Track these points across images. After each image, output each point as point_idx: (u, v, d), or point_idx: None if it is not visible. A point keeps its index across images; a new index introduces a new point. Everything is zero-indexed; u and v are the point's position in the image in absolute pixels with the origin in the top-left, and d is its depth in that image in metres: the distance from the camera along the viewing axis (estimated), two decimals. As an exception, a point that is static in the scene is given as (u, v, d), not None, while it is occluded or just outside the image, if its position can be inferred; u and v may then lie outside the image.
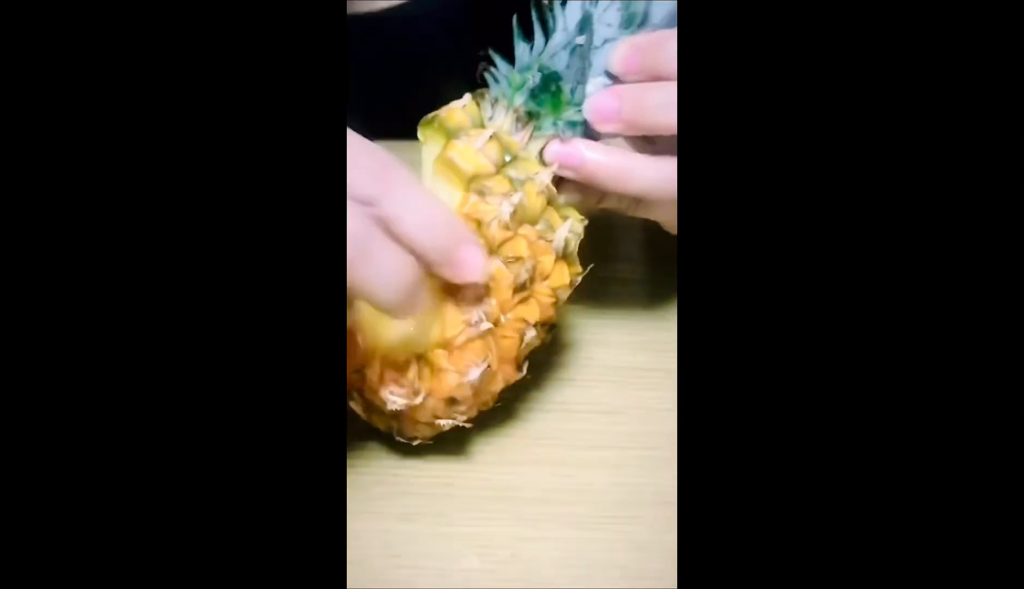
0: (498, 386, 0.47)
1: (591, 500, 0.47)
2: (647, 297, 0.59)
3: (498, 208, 0.44)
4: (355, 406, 0.47)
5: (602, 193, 0.49)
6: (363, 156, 0.40)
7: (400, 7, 0.74)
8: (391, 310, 0.40)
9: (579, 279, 0.49)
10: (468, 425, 0.47)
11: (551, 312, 0.47)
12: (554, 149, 0.48)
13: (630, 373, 0.54)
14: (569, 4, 0.49)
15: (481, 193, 0.44)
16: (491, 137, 0.45)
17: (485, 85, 0.49)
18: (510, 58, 0.49)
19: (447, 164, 0.45)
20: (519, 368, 0.47)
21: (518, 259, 0.44)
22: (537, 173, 0.46)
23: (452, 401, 0.45)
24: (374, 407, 0.46)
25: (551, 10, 0.48)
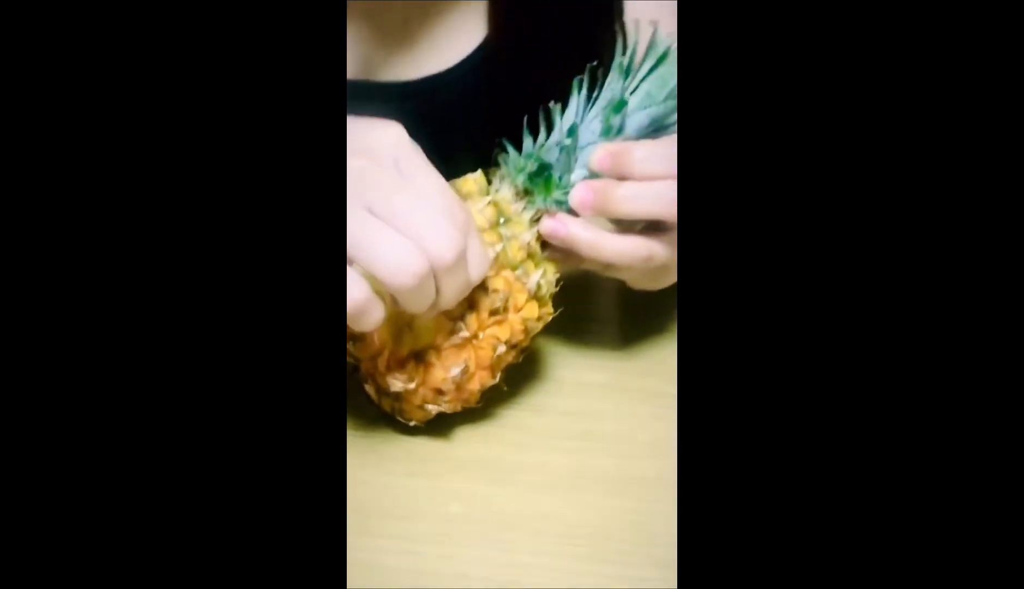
0: (476, 385, 0.63)
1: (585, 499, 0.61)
2: (617, 335, 0.74)
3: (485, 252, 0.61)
4: (369, 389, 0.64)
5: (581, 258, 0.65)
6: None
7: (430, 80, 0.83)
8: (402, 298, 0.54)
9: (550, 317, 0.65)
10: (450, 412, 0.63)
11: (521, 337, 0.63)
12: (546, 222, 0.65)
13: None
14: (566, 112, 0.66)
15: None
16: (490, 203, 0.62)
17: (496, 164, 0.66)
18: (518, 146, 0.67)
19: None
20: (494, 375, 0.63)
21: (495, 290, 0.61)
22: (522, 233, 0.63)
23: (439, 392, 0.62)
24: (383, 390, 0.63)
25: (552, 115, 0.65)
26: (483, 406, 0.65)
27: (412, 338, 0.61)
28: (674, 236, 0.64)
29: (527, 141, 0.67)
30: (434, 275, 0.53)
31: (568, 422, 0.67)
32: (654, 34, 0.65)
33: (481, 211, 0.62)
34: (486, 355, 0.62)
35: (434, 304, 0.56)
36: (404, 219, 0.51)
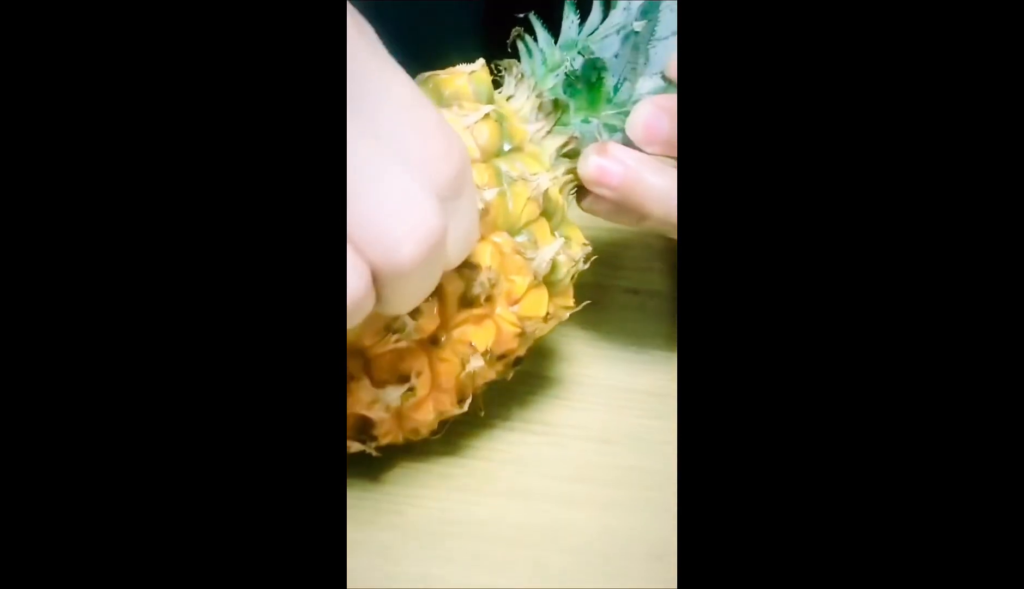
0: (429, 416, 0.38)
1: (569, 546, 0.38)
2: (658, 310, 0.49)
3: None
4: None
5: (641, 215, 0.39)
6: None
7: None
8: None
9: (566, 315, 0.40)
10: (377, 454, 0.38)
11: (513, 344, 0.38)
12: (591, 159, 0.38)
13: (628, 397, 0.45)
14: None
15: None
16: (488, 115, 0.36)
17: (512, 54, 0.40)
18: (554, 30, 0.40)
19: None
20: (460, 401, 0.38)
21: (475, 266, 0.35)
22: (537, 175, 0.37)
23: (363, 421, 0.37)
24: None
25: None
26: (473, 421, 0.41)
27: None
28: None
29: (568, 21, 0.40)
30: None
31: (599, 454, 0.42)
32: None
33: (471, 129, 0.36)
34: (449, 371, 0.37)
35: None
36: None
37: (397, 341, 0.35)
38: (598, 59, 0.39)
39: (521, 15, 0.40)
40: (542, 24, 0.41)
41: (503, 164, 0.37)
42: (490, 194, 0.35)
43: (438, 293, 0.35)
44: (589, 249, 0.39)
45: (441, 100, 0.37)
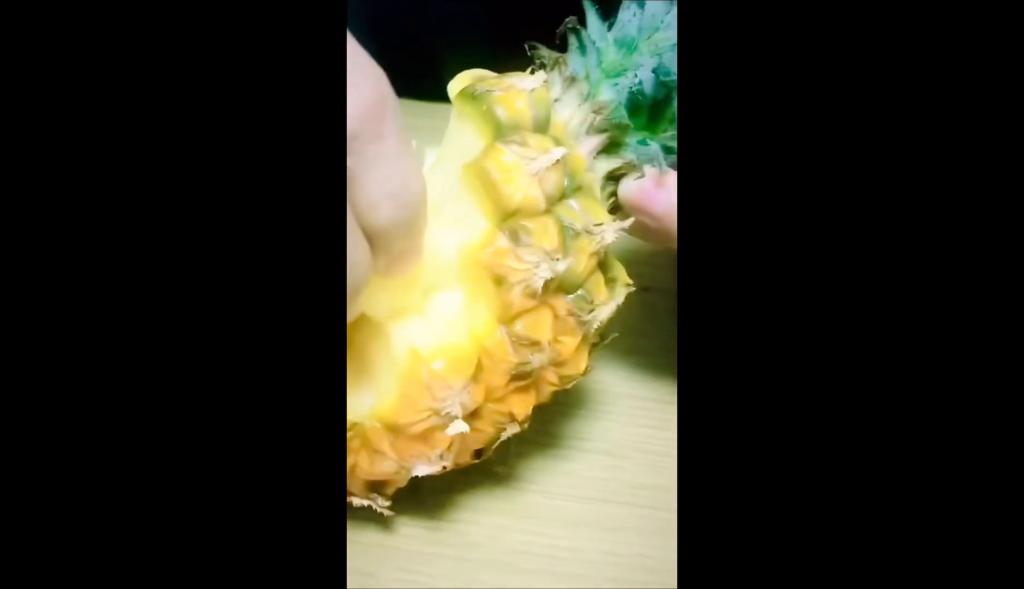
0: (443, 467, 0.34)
1: (573, 571, 0.36)
2: (670, 309, 0.46)
3: (532, 271, 0.30)
4: None
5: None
6: (364, 82, 0.29)
7: None
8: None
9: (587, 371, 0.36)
10: (390, 513, 0.34)
11: (547, 399, 0.34)
12: (641, 186, 0.34)
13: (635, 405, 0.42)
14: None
15: (516, 237, 0.30)
16: (559, 161, 0.30)
17: (562, 47, 0.34)
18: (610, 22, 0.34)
19: (484, 180, 0.30)
20: (477, 455, 0.34)
21: (534, 344, 0.31)
22: (601, 225, 0.32)
23: (378, 485, 0.33)
24: None
25: None
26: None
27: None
28: None
29: (627, 13, 0.34)
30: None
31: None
32: None
33: (538, 176, 0.31)
34: (481, 439, 0.33)
35: None
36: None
37: (442, 420, 0.31)
38: (669, 73, 0.33)
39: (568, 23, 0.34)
40: (598, 14, 0.34)
41: (565, 215, 0.31)
42: (563, 265, 0.30)
43: (487, 368, 0.31)
44: (633, 289, 0.35)
45: (499, 129, 0.31)
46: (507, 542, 0.37)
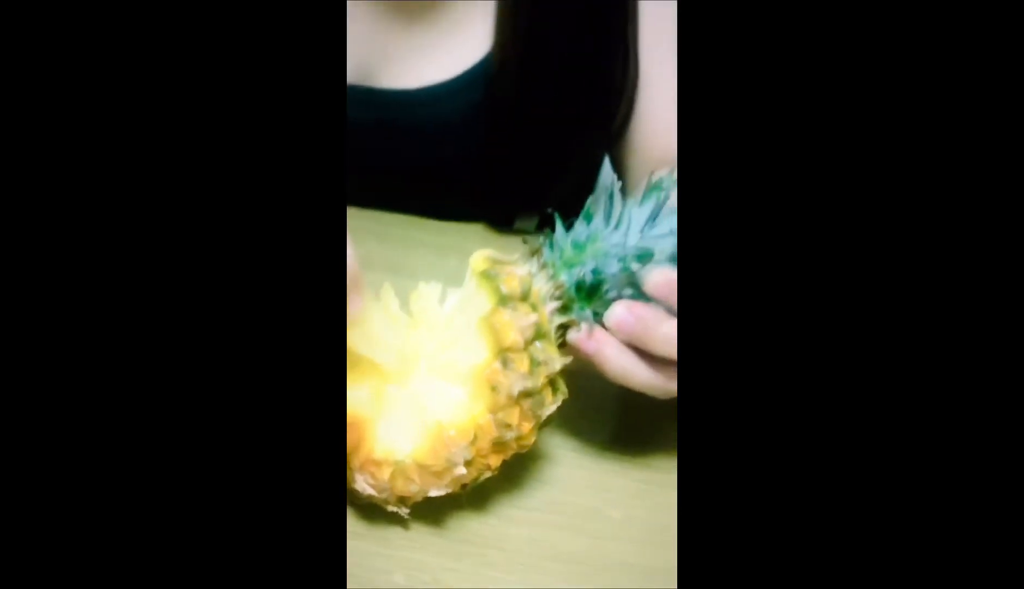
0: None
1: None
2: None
3: (512, 384, 0.52)
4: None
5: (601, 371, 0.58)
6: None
7: (431, 90, 0.79)
8: None
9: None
10: (408, 516, 0.56)
11: (509, 457, 0.56)
12: (579, 337, 0.56)
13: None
14: (636, 210, 0.56)
15: (504, 363, 0.52)
16: (530, 305, 0.53)
17: (549, 224, 0.56)
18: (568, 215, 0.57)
19: (490, 327, 0.52)
20: (463, 487, 0.56)
21: (508, 425, 0.53)
22: (552, 359, 0.55)
23: (403, 499, 0.54)
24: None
25: (616, 206, 0.56)
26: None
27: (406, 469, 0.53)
28: None
29: (581, 224, 0.57)
30: None
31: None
32: None
33: (523, 328, 0.53)
34: (469, 477, 0.55)
35: None
36: None
37: (445, 461, 0.52)
38: (601, 275, 0.56)
39: (550, 210, 0.56)
40: (563, 225, 0.57)
41: (536, 353, 0.54)
42: (531, 382, 0.53)
43: (479, 438, 0.53)
44: (567, 397, 0.58)
45: (501, 298, 0.53)
46: (483, 535, 0.58)
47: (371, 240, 0.73)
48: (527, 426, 0.55)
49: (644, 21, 0.83)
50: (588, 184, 0.89)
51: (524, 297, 0.54)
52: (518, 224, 0.85)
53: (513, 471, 0.60)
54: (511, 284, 0.54)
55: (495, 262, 0.55)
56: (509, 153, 0.80)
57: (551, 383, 0.56)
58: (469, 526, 0.58)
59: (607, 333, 0.56)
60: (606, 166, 0.92)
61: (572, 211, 0.59)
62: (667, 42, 0.83)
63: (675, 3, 0.79)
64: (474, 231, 0.81)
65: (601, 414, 0.67)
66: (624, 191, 0.61)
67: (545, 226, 0.57)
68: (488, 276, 0.54)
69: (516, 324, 0.53)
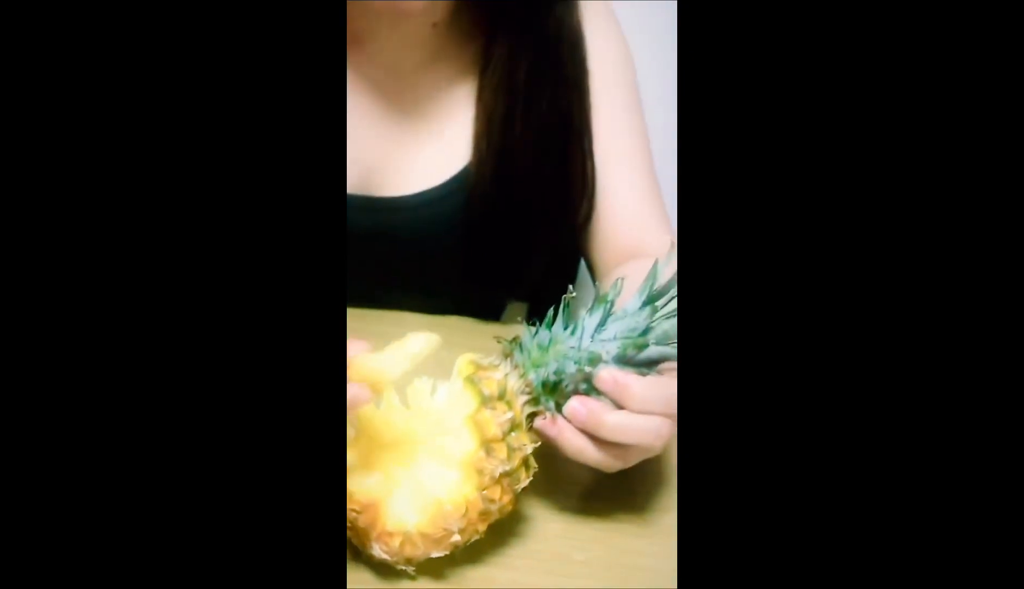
0: None
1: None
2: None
3: (494, 468, 0.67)
4: (348, 532, 0.69)
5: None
6: None
7: (419, 196, 0.96)
8: None
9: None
10: (413, 572, 0.70)
11: (493, 520, 0.71)
12: (542, 423, 0.71)
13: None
14: (588, 319, 0.71)
15: (488, 452, 0.67)
16: (510, 419, 0.68)
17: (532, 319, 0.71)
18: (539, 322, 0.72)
19: (475, 424, 0.67)
20: (455, 547, 0.71)
21: (492, 500, 0.68)
22: (525, 445, 0.69)
23: (410, 560, 0.69)
24: (361, 541, 0.69)
25: (572, 314, 0.70)
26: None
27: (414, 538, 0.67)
28: (645, 451, 0.72)
29: (543, 334, 0.72)
30: None
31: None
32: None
33: (501, 424, 0.68)
34: (462, 539, 0.70)
35: None
36: None
37: (448, 535, 0.67)
38: (562, 374, 0.71)
39: (520, 320, 0.71)
40: (532, 335, 0.72)
41: (512, 441, 0.69)
42: (509, 466, 0.67)
43: (470, 512, 0.67)
44: (536, 470, 0.72)
45: (481, 396, 0.68)
46: (475, 580, 0.72)
47: (370, 339, 0.87)
48: (507, 498, 0.70)
49: (598, 131, 0.99)
50: (561, 271, 1.05)
51: (501, 396, 0.69)
52: (505, 317, 1.00)
53: (496, 527, 0.75)
54: (491, 387, 0.69)
55: (478, 367, 0.70)
56: (489, 247, 0.97)
57: (524, 462, 0.71)
58: (463, 573, 0.72)
59: (565, 421, 0.71)
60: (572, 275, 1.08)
61: (551, 296, 0.74)
62: (621, 147, 1.00)
63: (635, 113, 0.96)
64: (461, 325, 0.96)
65: (564, 480, 0.81)
66: (594, 279, 0.76)
67: (532, 318, 0.73)
68: (472, 381, 0.69)
69: (495, 420, 0.68)
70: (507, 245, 0.97)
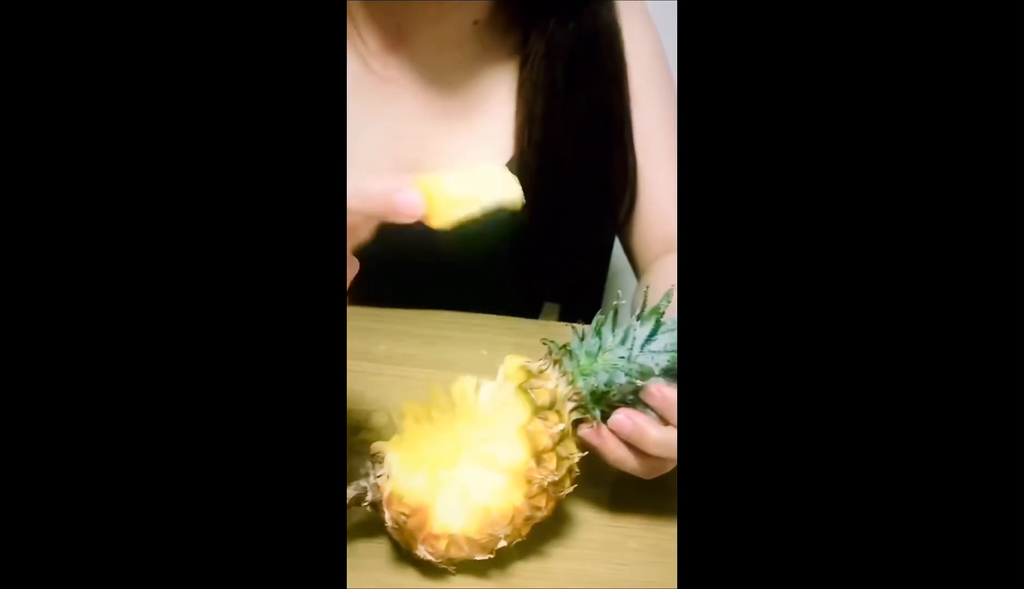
0: None
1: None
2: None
3: (544, 478, 0.68)
4: (394, 532, 0.70)
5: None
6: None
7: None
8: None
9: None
10: (453, 570, 0.71)
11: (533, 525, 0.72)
12: (588, 431, 0.72)
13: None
14: (639, 328, 0.72)
15: (539, 461, 0.68)
16: (561, 430, 0.69)
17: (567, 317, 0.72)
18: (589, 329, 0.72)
19: (527, 434, 0.68)
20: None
21: (538, 508, 0.69)
22: (573, 454, 0.70)
23: (452, 560, 0.70)
24: (407, 542, 0.70)
25: (621, 323, 0.71)
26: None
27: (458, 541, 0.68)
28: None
29: (592, 341, 0.73)
30: None
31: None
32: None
33: (553, 434, 0.69)
34: (507, 542, 0.71)
35: None
36: None
37: (494, 540, 0.68)
38: (611, 385, 0.72)
39: (575, 324, 0.72)
40: (580, 341, 0.73)
41: (561, 449, 0.70)
42: (555, 477, 0.68)
43: (515, 518, 0.68)
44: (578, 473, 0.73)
45: (534, 406, 0.69)
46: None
47: (410, 340, 0.88)
48: (551, 505, 0.71)
49: (638, 124, 0.99)
50: (600, 267, 1.05)
51: (552, 405, 0.70)
52: (543, 316, 1.00)
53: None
54: (543, 397, 0.69)
55: (528, 373, 0.71)
56: (533, 243, 0.97)
57: (570, 470, 0.72)
58: (516, 567, 0.73)
59: (609, 431, 0.72)
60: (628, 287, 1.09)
61: (587, 295, 0.74)
62: (660, 139, 1.00)
63: (671, 107, 0.96)
64: (499, 323, 0.96)
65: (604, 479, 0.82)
66: (636, 274, 0.77)
67: (571, 318, 0.73)
68: (524, 390, 0.70)
69: (548, 432, 0.68)
70: (551, 240, 0.97)
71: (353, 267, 0.61)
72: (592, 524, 0.76)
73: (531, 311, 1.03)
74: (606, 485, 0.80)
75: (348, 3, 0.94)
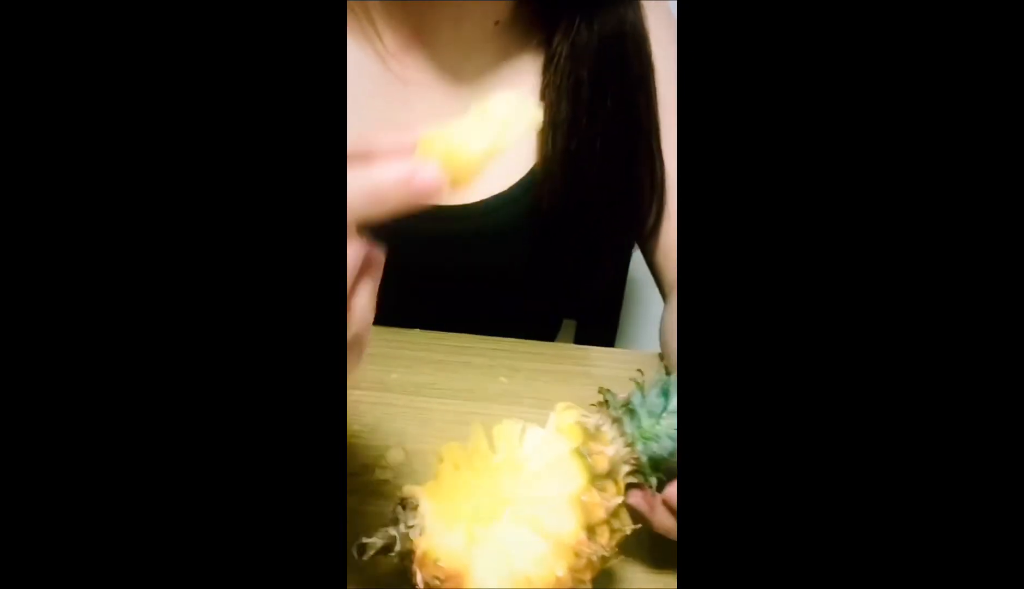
0: None
1: None
2: None
3: (594, 552, 0.61)
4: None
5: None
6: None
7: (485, 203, 0.90)
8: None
9: None
10: None
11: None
12: (639, 496, 0.65)
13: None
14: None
15: (591, 534, 0.61)
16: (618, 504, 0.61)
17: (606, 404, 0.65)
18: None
19: (581, 504, 0.61)
20: None
21: (582, 581, 0.62)
22: (626, 527, 0.63)
23: None
24: None
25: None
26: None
27: None
28: None
29: (653, 402, 0.66)
30: None
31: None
32: None
33: (609, 508, 0.61)
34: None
35: None
36: None
37: None
38: (674, 454, 0.65)
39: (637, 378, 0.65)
40: (642, 398, 0.65)
41: (613, 521, 0.62)
42: (605, 540, 0.61)
43: (573, 560, 0.60)
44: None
45: (591, 474, 0.61)
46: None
47: (426, 366, 0.79)
48: (593, 574, 0.64)
49: (666, 131, 0.92)
50: (618, 282, 0.98)
51: (610, 474, 0.63)
52: (561, 336, 0.93)
53: None
54: (601, 465, 0.62)
55: (584, 432, 0.63)
56: (558, 254, 0.91)
57: (614, 531, 0.65)
58: None
59: (660, 500, 0.66)
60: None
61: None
62: None
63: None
64: (518, 347, 0.89)
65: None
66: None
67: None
68: (580, 454, 0.62)
69: (604, 504, 0.61)
70: (576, 251, 0.91)
71: (378, 264, 0.51)
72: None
73: (546, 328, 0.96)
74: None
75: (366, 2, 0.87)
